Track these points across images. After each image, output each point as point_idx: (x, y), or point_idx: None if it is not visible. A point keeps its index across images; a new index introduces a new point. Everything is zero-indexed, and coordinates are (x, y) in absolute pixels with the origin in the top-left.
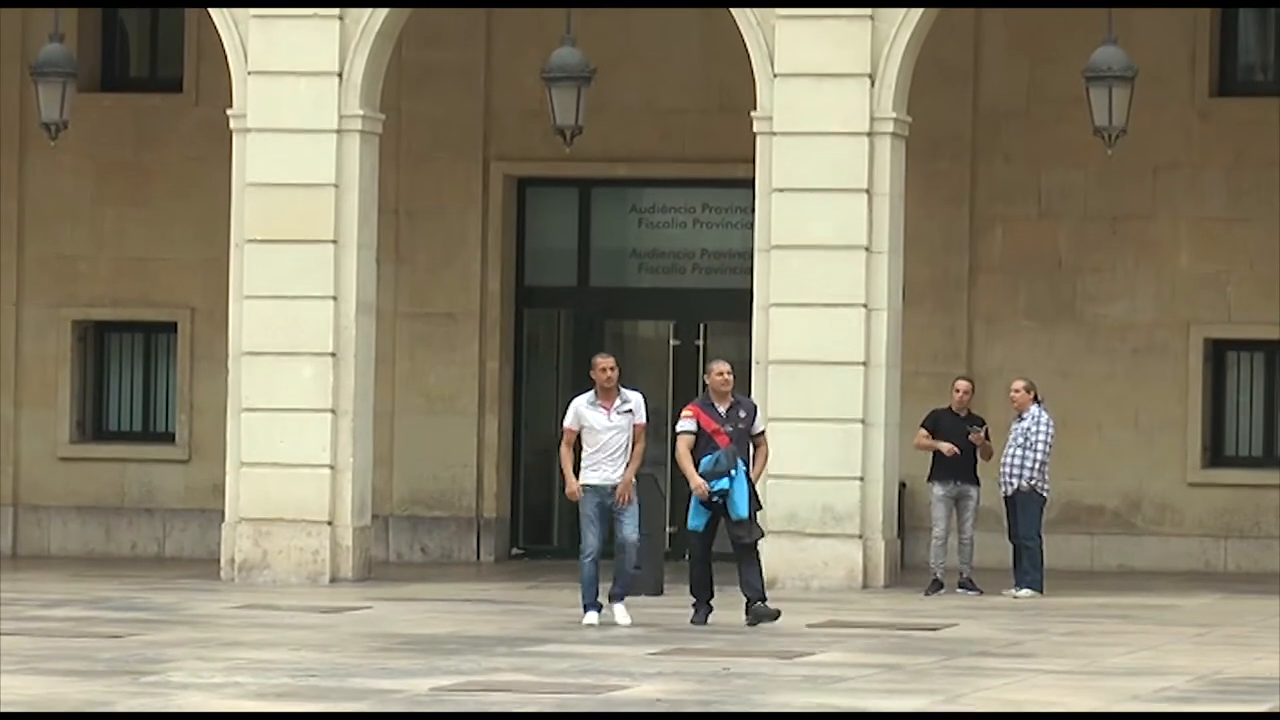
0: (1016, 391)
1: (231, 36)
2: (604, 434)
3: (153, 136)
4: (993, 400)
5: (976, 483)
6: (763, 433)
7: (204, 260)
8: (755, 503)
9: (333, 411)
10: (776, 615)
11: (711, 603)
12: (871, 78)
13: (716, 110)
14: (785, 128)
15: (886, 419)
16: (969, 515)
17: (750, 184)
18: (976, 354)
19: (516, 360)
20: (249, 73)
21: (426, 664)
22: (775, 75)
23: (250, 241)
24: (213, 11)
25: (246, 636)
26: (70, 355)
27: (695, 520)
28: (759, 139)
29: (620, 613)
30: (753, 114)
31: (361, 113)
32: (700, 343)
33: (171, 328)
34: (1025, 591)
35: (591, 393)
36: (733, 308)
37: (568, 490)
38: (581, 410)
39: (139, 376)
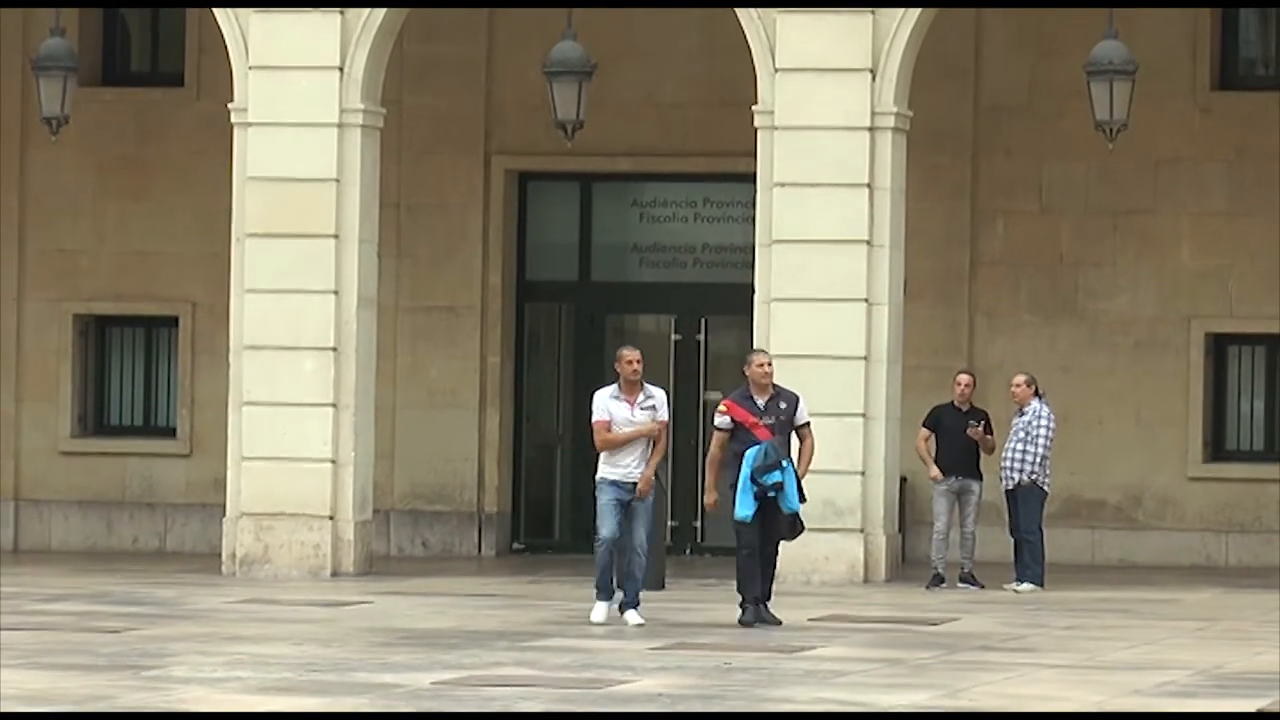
0: (1018, 386)
1: (233, 31)
2: (626, 429)
3: (154, 131)
4: (994, 395)
5: (978, 477)
6: (807, 424)
7: (205, 254)
8: (802, 497)
9: (334, 406)
10: (777, 623)
11: (762, 601)
12: (873, 72)
13: (718, 104)
14: (786, 122)
15: (888, 413)
16: (970, 510)
17: (751, 178)
18: (978, 348)
19: (517, 355)
20: (250, 67)
21: (428, 658)
22: (776, 69)
23: (251, 236)
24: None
25: (247, 631)
26: (71, 350)
27: (743, 509)
28: (760, 133)
29: (632, 615)
30: (754, 108)
31: (363, 107)
32: (701, 337)
33: (173, 322)
34: (1026, 586)
35: (615, 386)
36: (734, 302)
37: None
38: (607, 403)
39: (140, 371)
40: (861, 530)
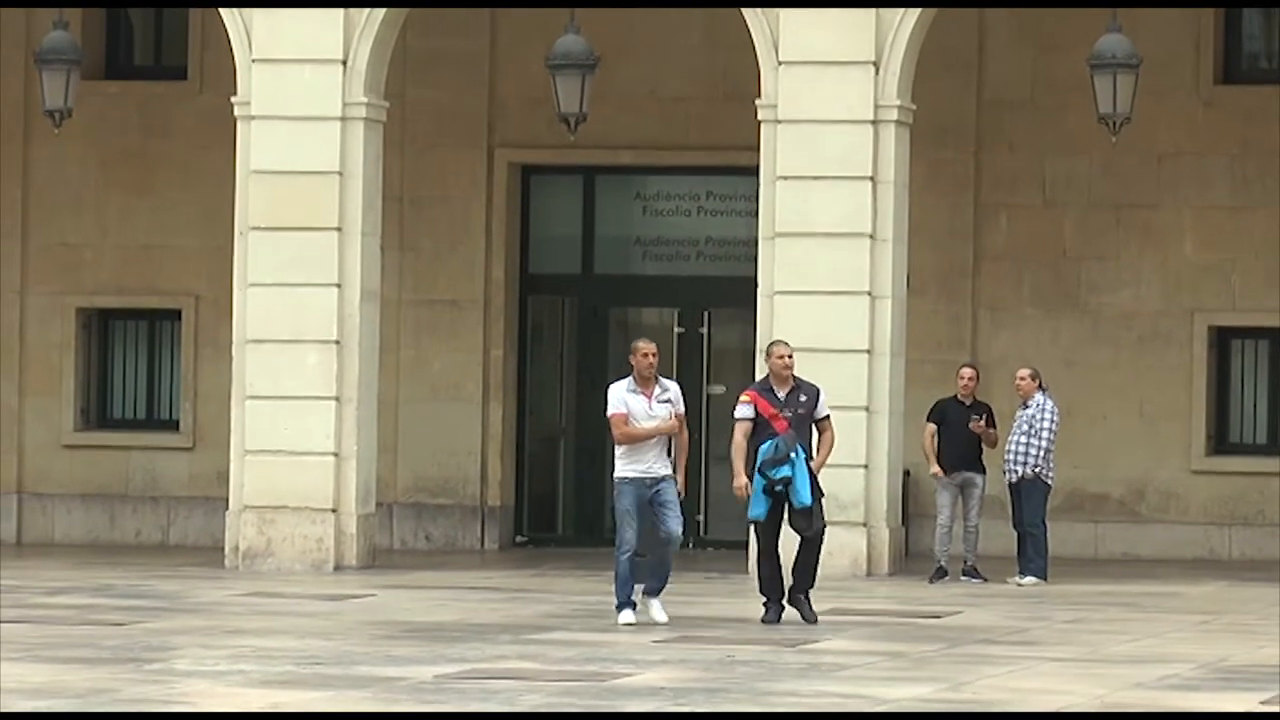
0: (1021, 379)
1: (236, 24)
2: (645, 424)
3: (157, 124)
4: (997, 388)
5: (981, 470)
6: (827, 418)
7: (208, 248)
8: (818, 491)
9: (337, 399)
10: (812, 620)
11: (784, 601)
12: (876, 65)
13: (721, 98)
14: (790, 115)
15: (891, 407)
16: (974, 503)
17: (755, 171)
18: (981, 342)
19: (520, 348)
20: (253, 60)
21: (431, 651)
22: (780, 63)
23: (255, 229)
24: None
25: (250, 624)
26: (75, 343)
27: (756, 508)
28: (763, 126)
29: (657, 609)
30: (757, 101)
31: (366, 100)
32: (704, 330)
33: (176, 315)
34: (1029, 579)
35: (629, 379)
36: (737, 295)
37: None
38: (623, 396)
39: (143, 364)
40: (865, 524)
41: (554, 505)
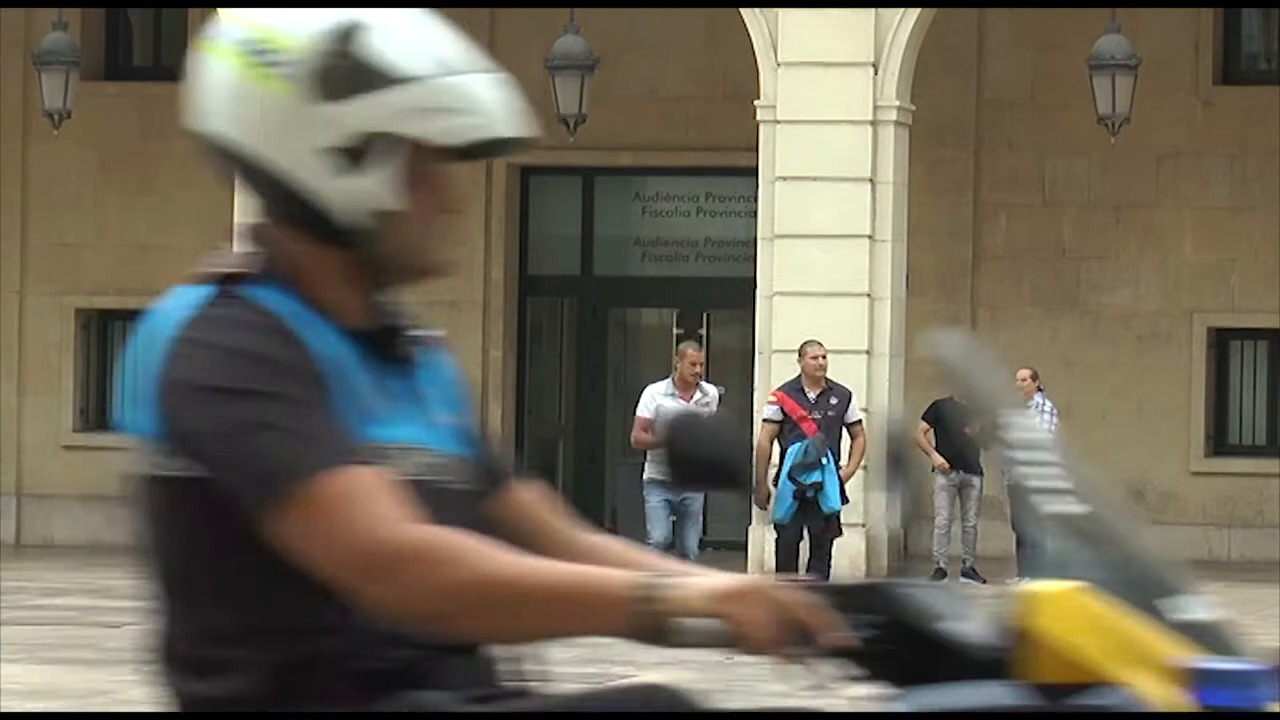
0: (1023, 380)
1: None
2: None
3: (156, 125)
4: None
5: (979, 471)
6: (859, 422)
7: (208, 248)
8: (844, 497)
9: None
10: None
11: None
12: (875, 66)
13: (720, 98)
14: (789, 116)
15: (890, 408)
16: (972, 504)
17: (754, 172)
18: (980, 342)
19: (520, 349)
20: None
21: None
22: (779, 64)
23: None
24: None
25: None
26: (74, 343)
27: (779, 511)
28: (762, 127)
29: None
30: (756, 102)
31: None
32: (704, 331)
33: None
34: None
35: (667, 382)
36: (736, 296)
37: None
38: (661, 401)
39: None
40: (863, 525)
41: None
